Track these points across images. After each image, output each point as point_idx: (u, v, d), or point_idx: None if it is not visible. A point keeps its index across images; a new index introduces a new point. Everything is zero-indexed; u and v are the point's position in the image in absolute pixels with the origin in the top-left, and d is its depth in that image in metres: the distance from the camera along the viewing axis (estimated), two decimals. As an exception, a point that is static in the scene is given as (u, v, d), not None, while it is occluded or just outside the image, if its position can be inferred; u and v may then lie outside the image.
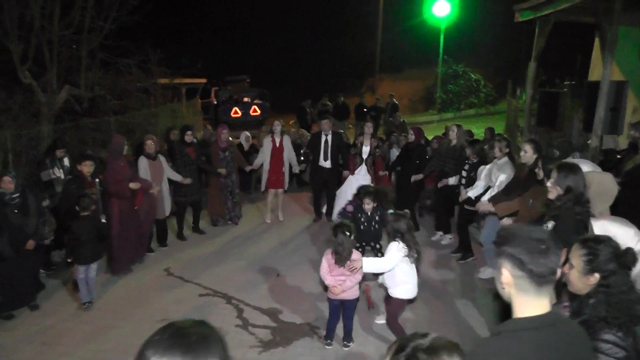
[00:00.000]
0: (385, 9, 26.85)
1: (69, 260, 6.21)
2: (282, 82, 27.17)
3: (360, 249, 6.09)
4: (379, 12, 25.99)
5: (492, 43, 26.15)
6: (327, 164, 9.26)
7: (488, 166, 7.06)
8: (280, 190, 9.56)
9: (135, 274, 7.16)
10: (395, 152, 10.63)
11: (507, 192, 6.07)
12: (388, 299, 5.22)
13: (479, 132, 15.12)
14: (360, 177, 9.04)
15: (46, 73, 10.83)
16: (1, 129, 8.71)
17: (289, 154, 9.45)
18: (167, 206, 8.12)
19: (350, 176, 9.16)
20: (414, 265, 4.98)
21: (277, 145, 9.29)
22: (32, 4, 10.07)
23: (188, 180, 8.22)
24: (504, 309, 2.25)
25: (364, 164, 9.13)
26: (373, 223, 6.58)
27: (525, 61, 19.28)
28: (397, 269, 4.93)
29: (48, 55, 10.72)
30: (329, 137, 9.22)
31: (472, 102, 25.65)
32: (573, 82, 17.03)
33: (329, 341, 5.23)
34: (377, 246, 6.62)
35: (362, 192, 6.74)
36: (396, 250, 4.85)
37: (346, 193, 9.04)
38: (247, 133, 11.68)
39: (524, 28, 20.11)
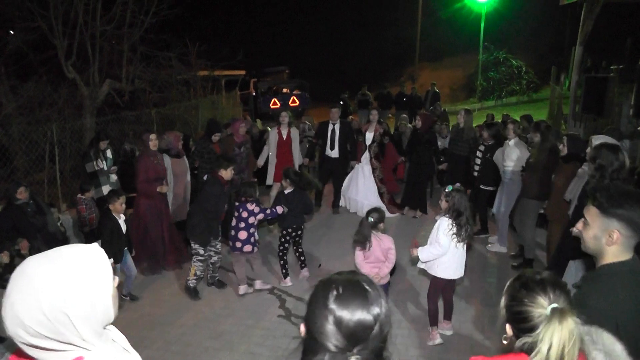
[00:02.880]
0: (425, -4, 26.41)
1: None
2: (322, 72, 27.07)
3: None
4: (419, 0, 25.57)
5: (535, 28, 25.45)
6: (334, 154, 9.01)
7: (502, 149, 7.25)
8: None
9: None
10: (439, 142, 10.46)
11: (531, 173, 6.29)
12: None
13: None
14: (364, 165, 9.10)
15: (89, 67, 11.02)
16: (47, 122, 8.91)
17: (297, 147, 9.09)
18: (185, 210, 7.36)
19: (357, 165, 9.17)
20: (460, 245, 4.67)
21: (285, 137, 8.87)
22: (77, 1, 10.24)
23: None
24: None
25: (367, 151, 9.09)
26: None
27: (570, 46, 18.72)
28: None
29: (90, 50, 10.91)
30: (336, 126, 8.94)
31: (514, 90, 25.01)
32: (621, 67, 16.36)
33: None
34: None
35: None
36: (443, 232, 4.61)
37: (350, 181, 9.23)
38: (288, 124, 11.63)
39: (568, 11, 19.57)
